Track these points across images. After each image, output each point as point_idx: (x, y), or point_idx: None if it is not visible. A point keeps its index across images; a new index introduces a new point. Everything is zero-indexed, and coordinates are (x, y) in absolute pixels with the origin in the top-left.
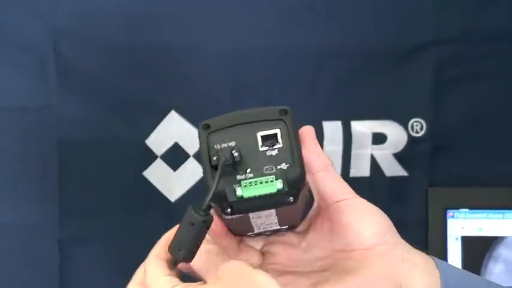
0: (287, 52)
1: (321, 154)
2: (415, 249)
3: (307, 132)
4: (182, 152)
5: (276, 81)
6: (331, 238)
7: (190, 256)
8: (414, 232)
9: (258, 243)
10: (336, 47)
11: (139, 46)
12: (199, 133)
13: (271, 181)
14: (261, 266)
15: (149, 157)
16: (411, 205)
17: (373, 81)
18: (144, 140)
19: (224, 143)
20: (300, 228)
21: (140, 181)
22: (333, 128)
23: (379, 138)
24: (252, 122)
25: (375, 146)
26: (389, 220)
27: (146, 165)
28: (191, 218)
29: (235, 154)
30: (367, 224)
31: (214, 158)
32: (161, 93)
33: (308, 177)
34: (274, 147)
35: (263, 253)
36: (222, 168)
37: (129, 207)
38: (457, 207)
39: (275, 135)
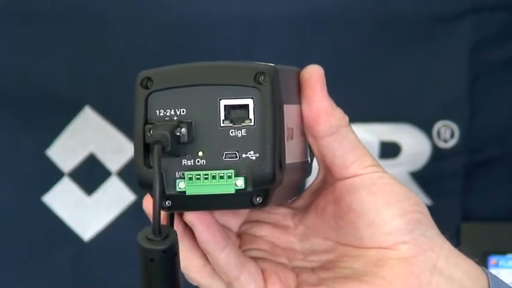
0: (257, 20)
1: (329, 111)
2: (460, 255)
3: (311, 75)
4: (100, 168)
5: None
6: (337, 227)
7: None
8: None
9: (235, 220)
10: (330, 14)
11: (38, 10)
12: (135, 91)
13: (229, 177)
14: None
15: (51, 175)
16: None
17: (382, 65)
18: (44, 149)
19: (170, 109)
20: (299, 202)
21: (37, 210)
22: None
23: (390, 150)
24: (213, 85)
25: (384, 161)
26: (425, 208)
27: (47, 186)
28: (146, 252)
29: (183, 131)
30: (388, 212)
31: (150, 134)
32: (70, 81)
33: (311, 142)
34: (242, 125)
35: (240, 235)
36: (158, 155)
37: (18, 251)
38: (503, 252)
39: (245, 107)
